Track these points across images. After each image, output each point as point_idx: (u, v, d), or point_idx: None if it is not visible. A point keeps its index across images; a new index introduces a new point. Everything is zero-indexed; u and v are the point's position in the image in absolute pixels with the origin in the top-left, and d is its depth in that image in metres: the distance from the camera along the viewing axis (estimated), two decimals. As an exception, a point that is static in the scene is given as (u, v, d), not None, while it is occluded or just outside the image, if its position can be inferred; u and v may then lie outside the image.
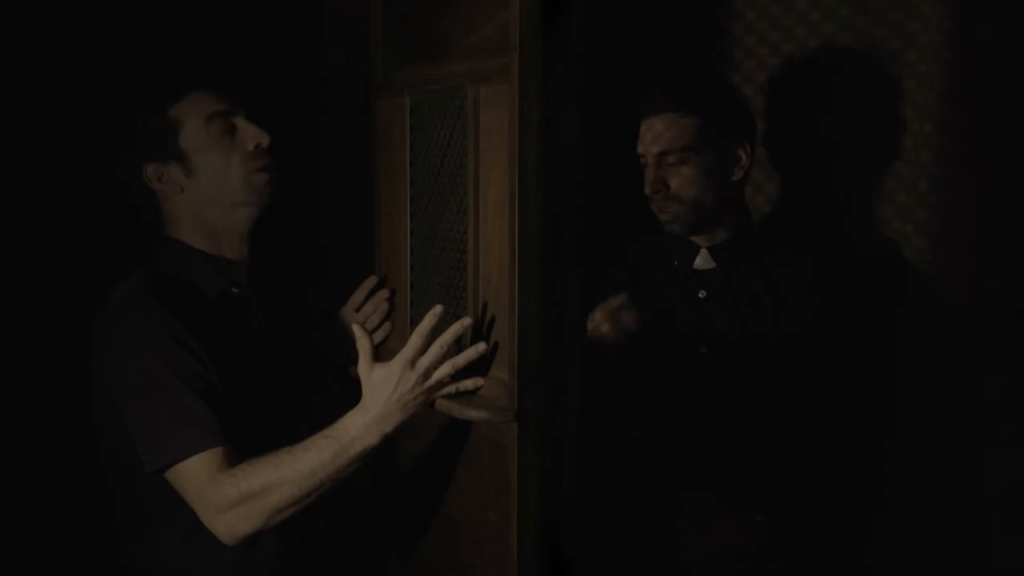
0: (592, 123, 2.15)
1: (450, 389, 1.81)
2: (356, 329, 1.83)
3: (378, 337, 2.11)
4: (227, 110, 1.97)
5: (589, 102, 2.11)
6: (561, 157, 1.76)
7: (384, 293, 2.15)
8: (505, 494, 1.76)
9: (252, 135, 1.97)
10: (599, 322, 2.08)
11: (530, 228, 1.71)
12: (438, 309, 1.82)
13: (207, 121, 1.95)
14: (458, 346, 1.83)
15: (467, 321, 1.82)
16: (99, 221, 2.17)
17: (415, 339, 1.79)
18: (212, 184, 1.95)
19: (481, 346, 1.80)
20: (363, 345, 1.81)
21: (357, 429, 1.77)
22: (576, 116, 1.94)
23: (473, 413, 1.76)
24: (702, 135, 2.11)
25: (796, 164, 2.48)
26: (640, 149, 2.16)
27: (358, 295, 2.16)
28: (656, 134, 2.12)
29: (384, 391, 1.77)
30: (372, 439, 1.77)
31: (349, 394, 1.87)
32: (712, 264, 2.19)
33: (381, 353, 1.86)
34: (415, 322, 2.05)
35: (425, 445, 2.04)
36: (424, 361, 1.78)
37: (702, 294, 2.18)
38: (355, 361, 1.79)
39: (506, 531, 1.76)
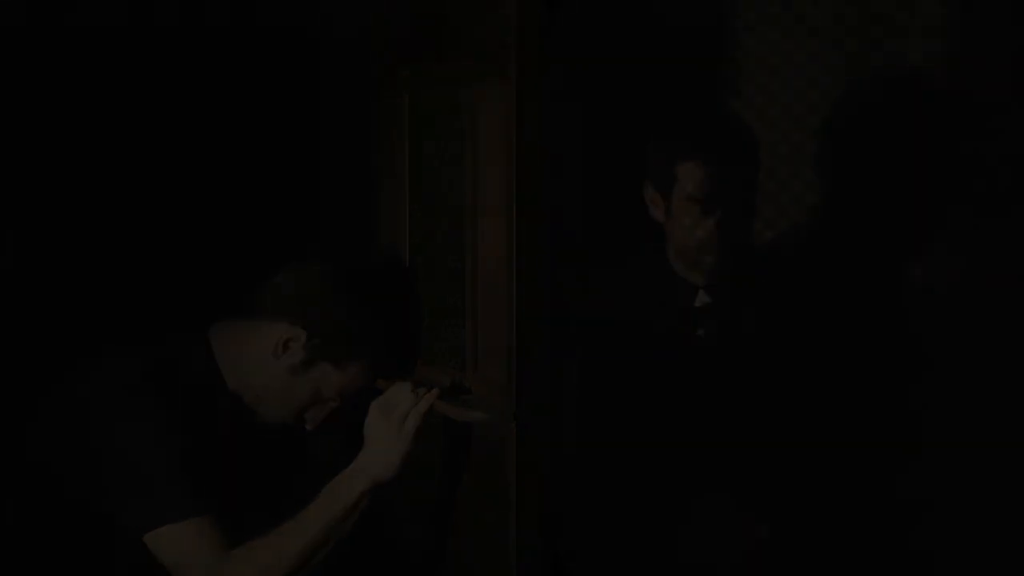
0: (592, 122, 2.15)
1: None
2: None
3: None
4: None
5: (589, 103, 2.11)
6: (561, 157, 1.76)
7: None
8: (505, 494, 1.76)
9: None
10: None
11: (530, 228, 1.71)
12: (435, 391, 1.76)
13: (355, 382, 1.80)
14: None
15: (435, 392, 1.76)
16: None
17: (400, 387, 1.76)
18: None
19: (435, 391, 1.75)
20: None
21: (351, 472, 1.73)
22: (576, 116, 1.95)
23: (472, 414, 1.76)
24: (737, 184, 2.03)
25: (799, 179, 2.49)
26: (690, 189, 2.02)
27: None
28: (700, 180, 2.01)
29: (368, 433, 1.75)
30: (364, 484, 1.73)
31: None
32: (710, 300, 2.14)
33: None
34: (415, 322, 2.06)
35: (425, 445, 2.04)
36: (399, 409, 1.74)
37: (701, 332, 2.15)
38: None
39: (506, 531, 1.76)
